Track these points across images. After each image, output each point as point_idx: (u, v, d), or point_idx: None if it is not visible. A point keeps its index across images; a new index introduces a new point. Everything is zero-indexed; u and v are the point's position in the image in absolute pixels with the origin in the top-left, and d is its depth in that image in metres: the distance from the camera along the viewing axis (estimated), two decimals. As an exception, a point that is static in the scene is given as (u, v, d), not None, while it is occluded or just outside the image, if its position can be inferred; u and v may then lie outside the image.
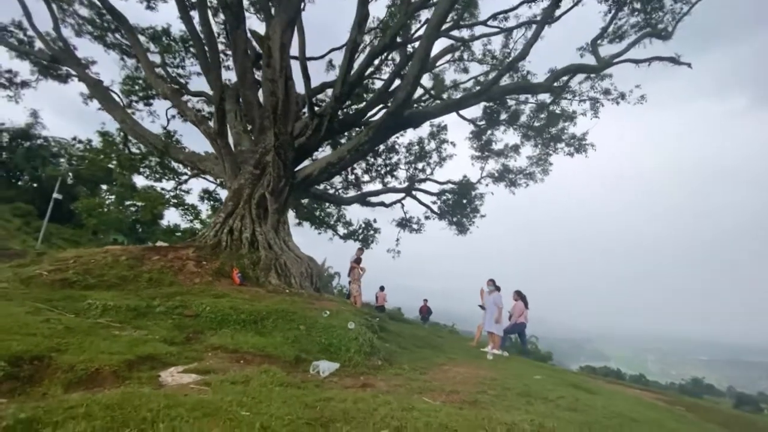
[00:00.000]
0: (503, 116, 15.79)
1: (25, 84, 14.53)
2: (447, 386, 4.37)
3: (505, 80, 12.02)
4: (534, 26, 11.64)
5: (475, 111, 15.95)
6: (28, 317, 4.28)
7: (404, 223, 19.04)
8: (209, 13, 11.35)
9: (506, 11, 13.46)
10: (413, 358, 6.13)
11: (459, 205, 17.92)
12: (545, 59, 13.84)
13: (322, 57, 15.37)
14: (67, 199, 23.58)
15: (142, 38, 14.16)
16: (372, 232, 20.04)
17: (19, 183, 28.87)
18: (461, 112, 14.19)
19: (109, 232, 28.86)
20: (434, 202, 18.24)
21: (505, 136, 17.05)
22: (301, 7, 8.15)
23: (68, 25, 13.92)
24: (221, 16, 13.51)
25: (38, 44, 12.82)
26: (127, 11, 12.20)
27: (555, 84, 11.27)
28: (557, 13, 11.41)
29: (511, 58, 11.44)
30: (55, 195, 19.68)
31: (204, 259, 8.21)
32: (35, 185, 27.89)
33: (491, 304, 8.98)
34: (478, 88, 15.48)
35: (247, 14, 12.42)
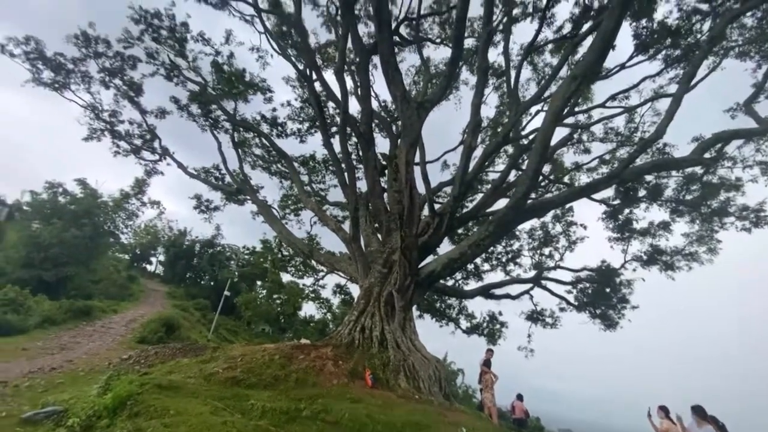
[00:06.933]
0: (641, 193, 14.11)
1: (216, 208, 19.29)
2: None
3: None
4: (666, 98, 10.87)
5: (606, 190, 14.74)
6: (211, 418, 5.10)
7: (535, 317, 17.24)
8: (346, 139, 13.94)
9: (625, 90, 13.02)
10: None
11: (601, 295, 15.62)
12: (679, 124, 12.44)
13: (437, 159, 16.82)
14: (233, 294, 28.60)
15: (295, 164, 17.93)
16: (498, 326, 18.57)
17: (202, 282, 36.59)
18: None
19: (259, 323, 33.34)
20: (569, 292, 16.34)
21: (648, 214, 14.99)
22: (421, 130, 9.41)
23: (247, 162, 18.67)
24: (353, 139, 16.36)
25: (227, 179, 17.38)
26: (283, 145, 15.84)
27: (705, 155, 9.85)
28: (693, 81, 10.54)
29: (644, 140, 10.58)
30: (226, 292, 24.19)
31: (340, 358, 8.75)
32: (212, 284, 34.94)
33: None
34: (603, 167, 14.56)
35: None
